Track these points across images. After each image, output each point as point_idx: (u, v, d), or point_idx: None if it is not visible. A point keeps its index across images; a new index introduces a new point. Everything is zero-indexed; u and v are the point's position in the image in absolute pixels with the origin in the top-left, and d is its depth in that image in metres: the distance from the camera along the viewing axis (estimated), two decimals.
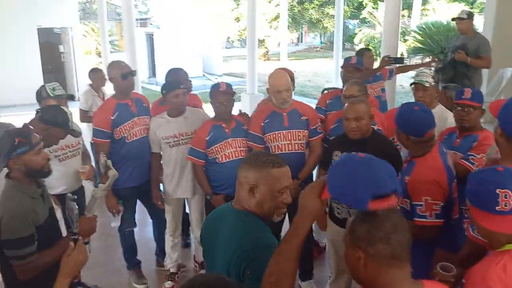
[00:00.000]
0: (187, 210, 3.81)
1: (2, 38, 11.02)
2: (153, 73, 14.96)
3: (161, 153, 3.55)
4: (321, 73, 17.05)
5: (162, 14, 21.71)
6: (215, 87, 3.30)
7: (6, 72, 10.77)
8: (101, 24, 12.47)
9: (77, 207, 2.03)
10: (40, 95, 3.58)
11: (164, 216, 3.70)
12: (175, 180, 3.52)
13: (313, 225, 3.63)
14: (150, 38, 15.41)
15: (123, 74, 3.36)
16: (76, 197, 2.17)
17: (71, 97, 4.25)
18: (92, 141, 3.68)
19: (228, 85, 3.32)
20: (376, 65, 5.02)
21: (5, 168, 2.19)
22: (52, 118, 2.76)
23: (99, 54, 21.26)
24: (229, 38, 24.15)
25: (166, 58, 13.21)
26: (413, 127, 2.38)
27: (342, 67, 3.92)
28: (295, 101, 3.35)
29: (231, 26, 22.32)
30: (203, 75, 15.84)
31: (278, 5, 18.75)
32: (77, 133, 2.96)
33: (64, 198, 2.23)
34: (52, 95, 3.52)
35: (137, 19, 13.97)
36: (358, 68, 3.82)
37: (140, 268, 3.82)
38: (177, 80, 3.59)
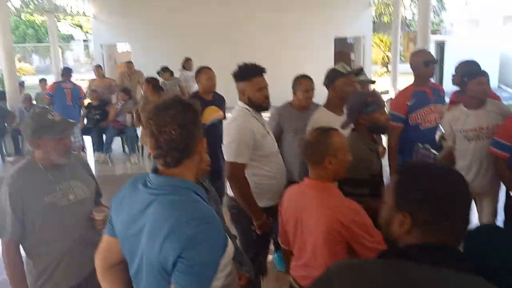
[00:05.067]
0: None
1: (303, 45, 12.79)
2: (440, 81, 14.47)
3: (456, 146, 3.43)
4: None
5: (455, 21, 20.68)
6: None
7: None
8: (394, 35, 13.09)
9: (435, 153, 2.26)
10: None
11: None
12: (472, 174, 3.34)
13: None
14: (440, 46, 14.98)
15: (425, 61, 3.47)
16: (429, 146, 2.45)
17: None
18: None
19: None
20: None
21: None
22: None
23: (384, 64, 22.09)
24: None
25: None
26: None
27: None
28: None
29: None
30: (499, 86, 14.29)
31: None
32: None
33: None
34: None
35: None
36: None
37: None
38: (479, 68, 3.46)
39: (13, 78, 8.22)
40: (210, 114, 4.16)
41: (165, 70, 8.49)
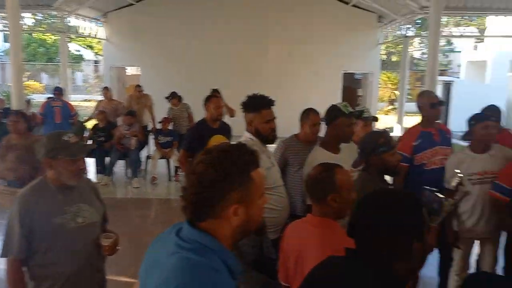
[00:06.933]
0: None
1: (312, 78, 12.96)
2: (445, 121, 14.53)
3: None
4: None
5: (463, 63, 20.96)
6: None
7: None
8: (401, 74, 13.28)
9: (441, 197, 2.33)
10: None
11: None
12: (474, 219, 3.33)
13: None
14: (447, 87, 15.13)
15: (432, 104, 3.50)
16: (437, 189, 2.45)
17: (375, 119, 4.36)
18: None
19: None
20: None
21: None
22: None
23: (390, 102, 22.24)
24: None
25: (463, 108, 12.68)
26: None
27: None
28: None
29: None
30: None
31: None
32: None
33: None
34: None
35: None
36: None
37: None
38: (488, 113, 3.47)
39: (20, 96, 8.28)
40: (216, 142, 4.18)
41: (173, 96, 8.57)
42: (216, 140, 4.21)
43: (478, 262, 3.50)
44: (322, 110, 3.59)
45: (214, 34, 12.80)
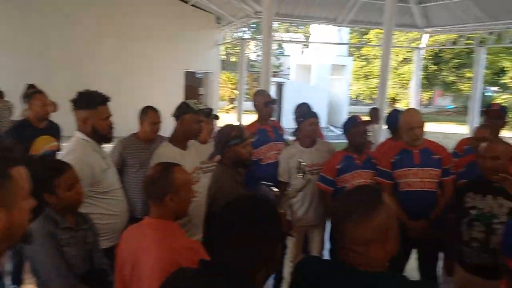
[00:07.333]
0: None
1: (152, 76, 12.70)
2: (278, 119, 15.74)
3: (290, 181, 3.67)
4: (453, 136, 16.12)
5: (293, 67, 23.01)
6: (353, 119, 3.47)
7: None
8: (240, 75, 13.90)
9: (275, 190, 2.49)
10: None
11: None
12: (304, 208, 3.64)
13: (439, 275, 3.46)
14: (279, 87, 16.44)
15: (266, 102, 3.73)
16: (272, 184, 2.65)
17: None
18: None
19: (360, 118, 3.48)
20: None
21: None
22: None
23: (230, 101, 23.20)
24: (360, 94, 24.59)
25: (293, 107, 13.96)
26: None
27: (483, 112, 3.85)
28: (426, 140, 3.33)
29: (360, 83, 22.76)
30: (328, 126, 16.18)
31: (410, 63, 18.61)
32: None
33: None
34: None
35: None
36: (500, 114, 3.68)
37: None
38: (312, 111, 3.85)
39: None
40: (42, 145, 3.73)
41: None
42: (42, 141, 3.78)
43: (306, 247, 3.85)
44: (164, 109, 3.52)
45: (44, 25, 11.55)
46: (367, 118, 3.68)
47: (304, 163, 3.31)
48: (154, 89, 12.32)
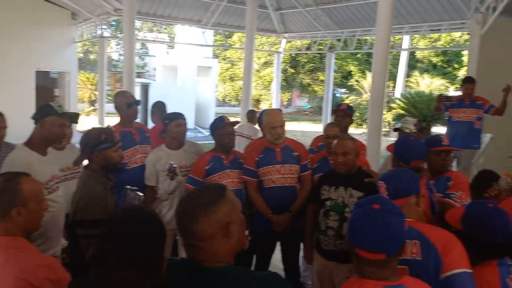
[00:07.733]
0: None
1: (1, 77, 11.29)
2: (145, 121, 15.27)
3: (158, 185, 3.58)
4: (309, 134, 17.53)
5: (158, 66, 22.55)
6: (221, 120, 3.50)
7: None
8: (100, 74, 13.12)
9: (140, 195, 2.41)
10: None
11: None
12: (173, 212, 3.54)
13: (300, 265, 3.71)
14: (144, 88, 15.94)
15: (128, 103, 3.56)
16: (137, 188, 2.52)
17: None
18: None
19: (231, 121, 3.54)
20: None
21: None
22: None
23: (91, 102, 21.76)
24: (226, 96, 25.17)
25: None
26: (402, 152, 2.59)
27: (333, 111, 4.23)
28: (287, 138, 3.54)
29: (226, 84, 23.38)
30: (195, 128, 16.22)
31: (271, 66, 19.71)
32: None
33: None
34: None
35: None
36: (348, 113, 4.10)
37: None
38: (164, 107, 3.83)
39: None
40: None
41: None
42: None
43: (176, 250, 3.78)
44: (12, 112, 3.14)
45: None
46: (234, 118, 3.76)
47: (175, 165, 3.28)
48: (1, 90, 10.96)
